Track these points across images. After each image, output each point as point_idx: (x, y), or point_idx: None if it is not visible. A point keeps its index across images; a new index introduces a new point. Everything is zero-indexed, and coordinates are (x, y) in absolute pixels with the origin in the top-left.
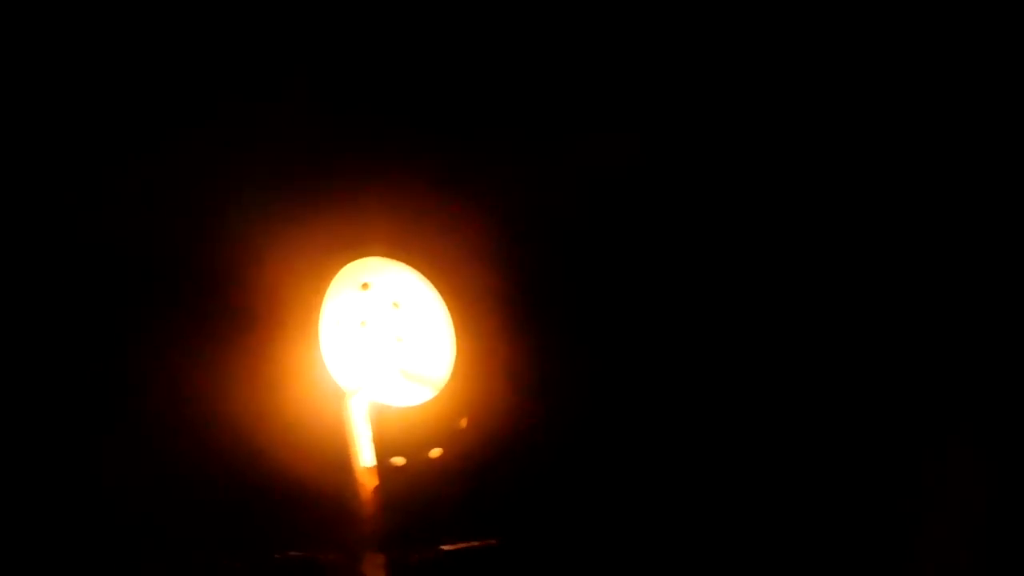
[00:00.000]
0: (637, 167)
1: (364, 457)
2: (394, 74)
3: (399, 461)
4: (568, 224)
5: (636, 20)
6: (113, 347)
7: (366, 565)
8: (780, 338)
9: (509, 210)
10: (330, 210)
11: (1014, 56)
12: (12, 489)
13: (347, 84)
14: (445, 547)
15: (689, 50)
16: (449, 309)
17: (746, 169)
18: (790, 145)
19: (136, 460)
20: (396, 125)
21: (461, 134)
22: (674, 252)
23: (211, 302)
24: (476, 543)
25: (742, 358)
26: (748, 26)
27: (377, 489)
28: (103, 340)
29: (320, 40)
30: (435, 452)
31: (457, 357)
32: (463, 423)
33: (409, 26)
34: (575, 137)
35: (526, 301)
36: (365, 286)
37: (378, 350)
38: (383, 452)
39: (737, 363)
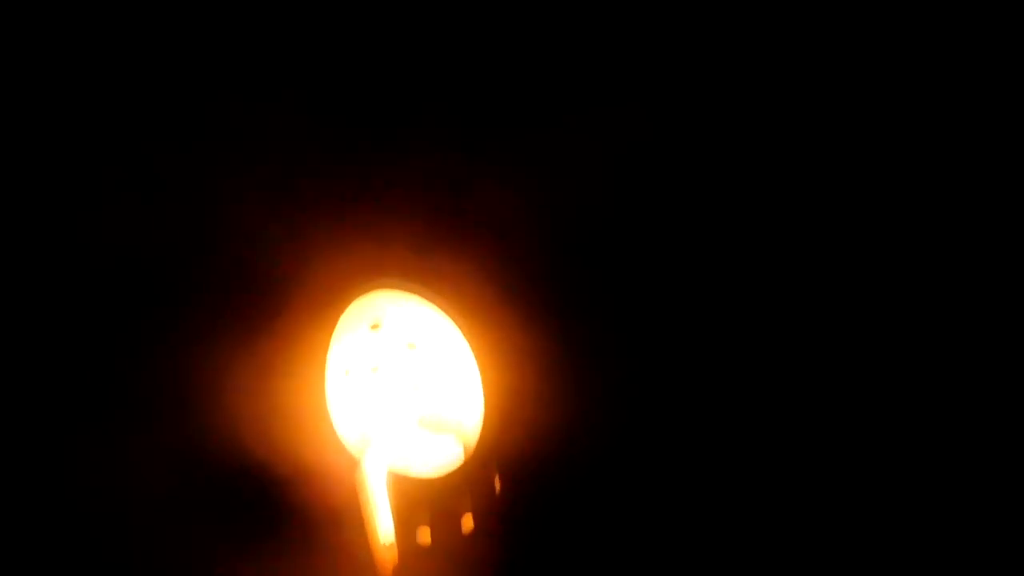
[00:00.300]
0: (675, 174)
1: (382, 531)
2: (405, 85)
3: (424, 535)
4: (606, 244)
5: (657, 15)
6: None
7: None
8: (827, 333)
9: (536, 230)
10: (329, 239)
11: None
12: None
13: (350, 94)
14: None
15: (723, 44)
16: (473, 348)
17: (784, 164)
18: (831, 133)
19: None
20: (403, 136)
21: (477, 149)
22: (723, 266)
23: (204, 354)
24: None
25: (805, 370)
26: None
27: (397, 570)
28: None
29: (328, 53)
30: (467, 522)
31: (486, 405)
32: (497, 485)
33: (422, 35)
34: (605, 147)
35: (563, 334)
36: (375, 326)
37: (393, 401)
38: (404, 524)
39: (802, 378)
